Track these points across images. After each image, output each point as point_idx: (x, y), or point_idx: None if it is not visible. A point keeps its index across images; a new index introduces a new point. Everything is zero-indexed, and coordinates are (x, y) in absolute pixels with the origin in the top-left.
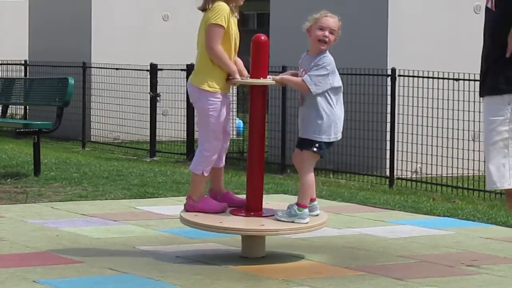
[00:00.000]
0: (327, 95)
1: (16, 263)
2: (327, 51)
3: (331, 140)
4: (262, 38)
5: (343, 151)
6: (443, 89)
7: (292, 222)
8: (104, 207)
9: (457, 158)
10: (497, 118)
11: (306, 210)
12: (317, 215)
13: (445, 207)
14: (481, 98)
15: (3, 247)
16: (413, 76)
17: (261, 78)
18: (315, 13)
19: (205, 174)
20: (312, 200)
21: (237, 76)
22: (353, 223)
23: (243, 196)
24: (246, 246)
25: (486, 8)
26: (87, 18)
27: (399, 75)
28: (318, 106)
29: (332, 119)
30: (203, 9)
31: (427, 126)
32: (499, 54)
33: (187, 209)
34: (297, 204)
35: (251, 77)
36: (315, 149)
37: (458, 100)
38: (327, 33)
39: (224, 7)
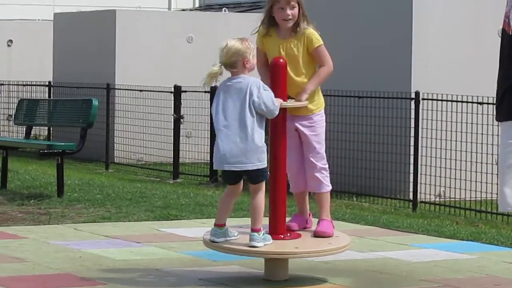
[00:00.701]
0: None
1: (39, 284)
2: None
3: None
4: (281, 61)
5: (367, 174)
6: (466, 113)
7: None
8: (127, 228)
9: (481, 182)
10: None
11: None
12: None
13: (468, 231)
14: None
15: (26, 269)
16: (437, 100)
17: (288, 101)
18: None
19: None
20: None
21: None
22: (376, 247)
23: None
24: (269, 268)
25: (503, 30)
26: (112, 40)
27: (423, 99)
28: None
29: None
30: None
31: (450, 149)
32: None
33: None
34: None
35: None
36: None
37: (482, 124)
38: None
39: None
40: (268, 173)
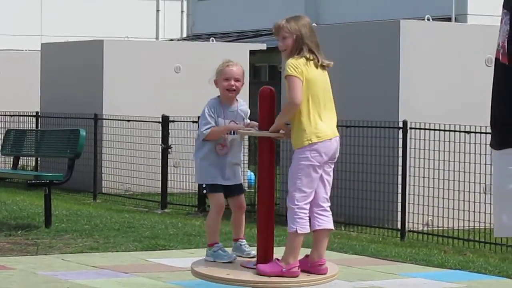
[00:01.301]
0: None
1: None
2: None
3: None
4: (269, 91)
5: (354, 204)
6: (454, 142)
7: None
8: (115, 259)
9: (469, 211)
10: (509, 167)
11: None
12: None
13: (456, 260)
14: (491, 149)
15: None
16: (424, 129)
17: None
18: (219, 64)
19: None
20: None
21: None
22: (364, 276)
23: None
24: None
25: (496, 60)
26: (99, 70)
27: (411, 128)
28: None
29: None
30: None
31: (438, 178)
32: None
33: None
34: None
35: (259, 129)
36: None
37: (470, 153)
38: (232, 82)
39: None
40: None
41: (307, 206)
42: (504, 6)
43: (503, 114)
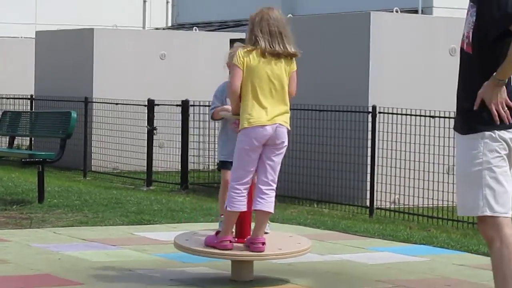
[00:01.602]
0: None
1: (21, 284)
2: None
3: None
4: None
5: (326, 183)
6: (420, 126)
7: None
8: (103, 232)
9: (433, 190)
10: (472, 152)
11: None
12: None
13: (421, 236)
14: (455, 133)
15: (9, 269)
16: (392, 113)
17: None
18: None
19: None
20: None
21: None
22: (335, 250)
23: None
24: (235, 270)
25: (461, 49)
26: (90, 56)
27: (379, 112)
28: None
29: None
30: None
31: (405, 159)
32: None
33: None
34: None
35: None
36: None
37: (434, 136)
38: None
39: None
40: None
41: (241, 187)
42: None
43: (468, 102)
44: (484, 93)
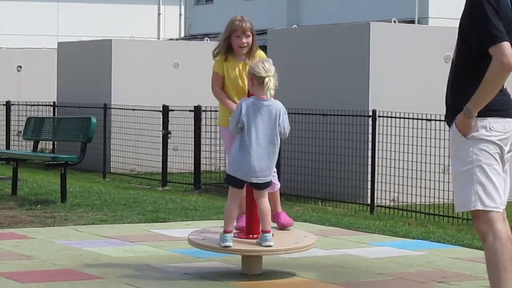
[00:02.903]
0: None
1: (45, 278)
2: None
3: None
4: None
5: (330, 182)
6: (417, 128)
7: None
8: (121, 230)
9: (429, 189)
10: (463, 151)
11: (225, 235)
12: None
13: (419, 231)
14: (450, 131)
15: (34, 265)
16: (391, 117)
17: None
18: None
19: None
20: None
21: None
22: (338, 245)
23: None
24: (245, 264)
25: (452, 59)
26: (108, 66)
27: (379, 116)
28: None
29: None
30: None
31: (403, 160)
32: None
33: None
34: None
35: None
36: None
37: (430, 138)
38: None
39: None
40: None
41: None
42: None
43: (453, 101)
44: (459, 124)
